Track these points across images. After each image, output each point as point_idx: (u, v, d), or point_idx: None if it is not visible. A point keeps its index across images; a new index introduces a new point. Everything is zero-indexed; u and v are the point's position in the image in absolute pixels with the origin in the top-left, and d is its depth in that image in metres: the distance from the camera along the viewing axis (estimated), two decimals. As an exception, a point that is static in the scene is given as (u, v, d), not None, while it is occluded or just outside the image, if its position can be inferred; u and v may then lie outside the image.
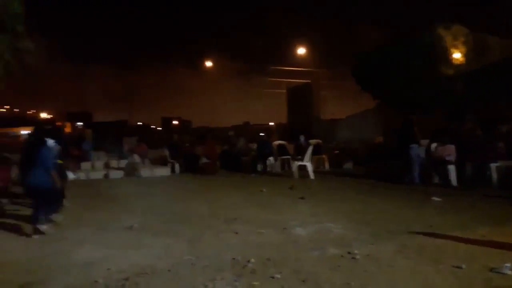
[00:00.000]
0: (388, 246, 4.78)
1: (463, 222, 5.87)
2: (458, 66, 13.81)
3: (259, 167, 13.25)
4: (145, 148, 15.12)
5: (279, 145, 14.17)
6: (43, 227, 5.68)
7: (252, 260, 4.34)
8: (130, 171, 12.72)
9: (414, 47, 13.69)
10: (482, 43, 14.13)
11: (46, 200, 5.87)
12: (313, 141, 12.92)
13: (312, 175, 11.31)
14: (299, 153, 12.42)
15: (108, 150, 16.73)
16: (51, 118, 57.41)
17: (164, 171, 13.18)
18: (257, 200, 8.20)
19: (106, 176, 12.72)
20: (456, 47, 13.90)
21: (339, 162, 14.17)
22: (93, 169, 13.36)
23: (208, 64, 38.18)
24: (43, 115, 62.85)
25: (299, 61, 31.88)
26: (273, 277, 3.87)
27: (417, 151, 9.80)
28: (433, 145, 9.74)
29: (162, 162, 14.08)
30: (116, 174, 12.82)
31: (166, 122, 66.66)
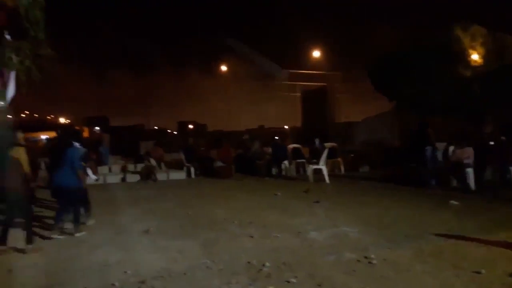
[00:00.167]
0: (405, 250, 4.72)
1: (482, 226, 5.78)
2: (476, 68, 13.59)
3: (274, 170, 13.22)
4: (162, 152, 15.27)
5: (294, 148, 14.14)
6: (69, 229, 5.81)
7: (267, 264, 4.34)
8: (147, 175, 12.87)
9: (432, 49, 13.53)
10: (501, 44, 13.86)
11: (72, 201, 6.02)
12: (328, 144, 12.85)
13: (327, 179, 11.25)
14: (314, 156, 12.33)
15: (125, 154, 16.95)
16: (69, 122, 58.46)
17: (180, 175, 13.34)
18: (272, 204, 8.19)
19: (123, 179, 12.96)
20: (474, 48, 13.68)
21: (355, 166, 14.06)
22: (110, 173, 13.57)
23: (223, 68, 38.61)
24: (62, 119, 64.03)
25: (314, 64, 31.89)
26: (288, 281, 3.86)
27: (432, 153, 9.64)
28: (451, 148, 9.59)
29: (178, 166, 14.21)
30: (133, 178, 13.03)
31: (182, 126, 67.17)
